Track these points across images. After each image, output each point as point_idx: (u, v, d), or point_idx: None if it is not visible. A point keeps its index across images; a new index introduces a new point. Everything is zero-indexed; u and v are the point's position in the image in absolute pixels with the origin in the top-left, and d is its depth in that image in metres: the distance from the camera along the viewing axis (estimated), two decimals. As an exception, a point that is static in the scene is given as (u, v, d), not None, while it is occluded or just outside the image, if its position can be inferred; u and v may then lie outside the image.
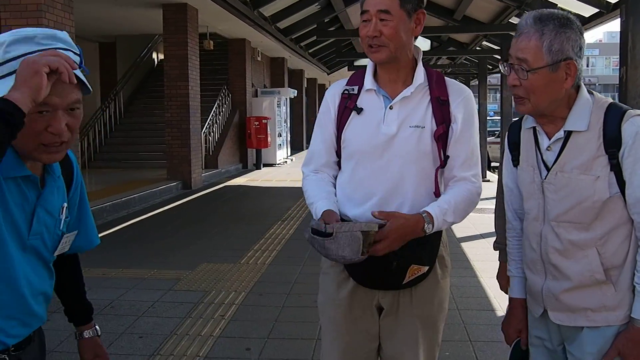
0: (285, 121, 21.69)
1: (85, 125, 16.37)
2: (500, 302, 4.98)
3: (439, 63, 20.78)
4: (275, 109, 19.95)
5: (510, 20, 11.41)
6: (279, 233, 8.09)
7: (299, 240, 7.58)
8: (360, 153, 2.09)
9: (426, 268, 2.07)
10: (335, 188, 2.20)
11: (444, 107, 2.06)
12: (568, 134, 1.82)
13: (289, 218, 9.30)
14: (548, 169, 1.86)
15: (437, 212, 1.98)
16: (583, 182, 1.78)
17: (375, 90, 2.10)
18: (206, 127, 16.05)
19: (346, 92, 2.15)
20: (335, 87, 2.21)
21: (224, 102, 17.77)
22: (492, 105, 40.97)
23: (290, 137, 23.06)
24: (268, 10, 12.27)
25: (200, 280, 5.74)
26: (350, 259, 1.84)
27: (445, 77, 2.15)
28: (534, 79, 1.76)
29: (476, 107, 2.18)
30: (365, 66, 2.19)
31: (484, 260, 6.51)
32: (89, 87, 1.51)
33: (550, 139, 1.86)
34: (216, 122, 16.99)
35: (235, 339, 4.25)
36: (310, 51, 18.78)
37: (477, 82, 17.10)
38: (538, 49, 1.74)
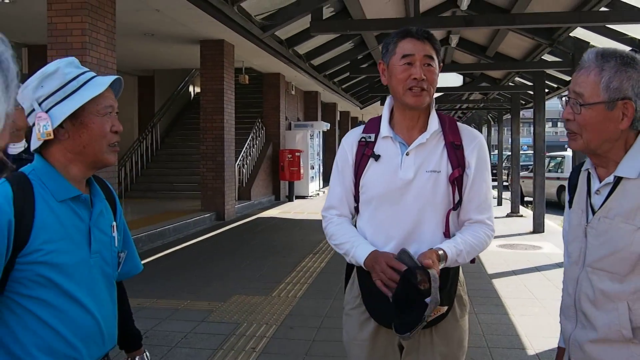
0: (318, 154, 21.87)
1: (123, 156, 16.76)
2: (531, 341, 4.97)
3: (471, 98, 20.82)
4: (308, 141, 20.15)
5: (543, 58, 11.45)
6: (310, 266, 8.17)
7: (330, 274, 7.64)
8: (378, 198, 2.18)
9: (445, 308, 2.12)
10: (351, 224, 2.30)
11: (459, 151, 2.15)
12: (618, 179, 1.73)
13: (320, 251, 9.37)
14: (594, 213, 1.79)
15: (452, 252, 2.06)
16: (622, 231, 1.69)
17: (391, 137, 2.19)
18: (240, 159, 16.30)
19: (363, 139, 2.24)
20: (352, 135, 2.31)
21: (257, 134, 18.04)
22: (526, 139, 40.55)
23: (323, 170, 23.20)
24: (302, 49, 12.53)
25: (233, 312, 5.83)
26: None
27: (458, 122, 2.25)
28: (587, 114, 1.70)
29: (487, 151, 2.26)
30: (380, 115, 2.29)
31: (515, 297, 6.48)
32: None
33: (600, 182, 1.79)
34: (250, 154, 17.25)
35: (266, 372, 4.32)
36: (343, 86, 19.00)
37: (509, 117, 17.09)
38: (595, 84, 1.68)
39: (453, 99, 20.96)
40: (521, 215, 14.58)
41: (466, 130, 2.22)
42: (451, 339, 2.19)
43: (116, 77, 1.74)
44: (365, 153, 2.21)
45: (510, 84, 15.50)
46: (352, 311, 2.27)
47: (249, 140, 17.20)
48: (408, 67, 2.09)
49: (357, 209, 2.30)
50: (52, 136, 1.63)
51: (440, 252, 2.04)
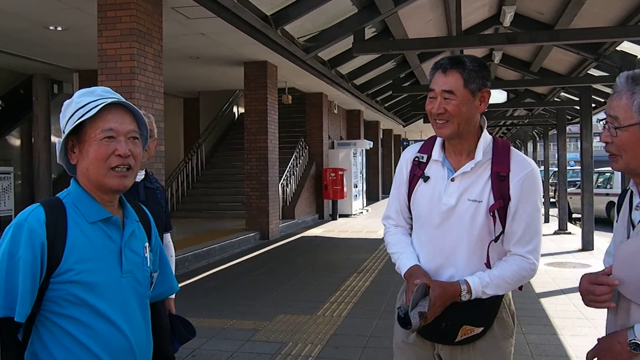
0: (361, 172, 21.86)
1: (169, 176, 17.08)
2: (580, 362, 4.87)
3: (515, 114, 20.58)
4: (352, 160, 20.19)
5: (589, 72, 11.28)
6: (354, 285, 8.16)
7: (375, 293, 7.62)
8: (423, 219, 2.27)
9: (480, 329, 2.16)
10: (408, 236, 2.37)
11: (503, 183, 2.14)
12: None
13: (365, 270, 9.35)
14: (634, 228, 1.83)
15: (476, 283, 2.11)
16: None
17: (440, 161, 2.24)
18: (284, 179, 16.43)
19: (417, 159, 2.31)
20: (409, 152, 2.39)
21: (301, 154, 18.18)
22: (573, 154, 39.74)
23: (366, 188, 23.17)
24: (345, 69, 12.62)
25: (278, 331, 5.87)
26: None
27: (512, 150, 2.21)
28: (623, 136, 1.76)
29: (540, 182, 2.20)
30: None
31: (564, 317, 6.36)
32: (126, 101, 1.81)
33: None
34: (293, 173, 17.37)
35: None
36: (385, 105, 19.03)
37: (555, 132, 16.82)
38: (628, 107, 1.74)
39: (497, 115, 20.75)
40: (569, 233, 14.28)
41: (517, 160, 2.19)
42: (489, 358, 2.20)
43: (116, 99, 1.76)
44: (416, 173, 2.28)
45: (555, 99, 15.29)
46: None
47: (292, 159, 17.34)
48: (431, 101, 2.16)
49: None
50: (58, 160, 1.79)
51: (464, 284, 2.11)
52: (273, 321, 6.24)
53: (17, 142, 14.71)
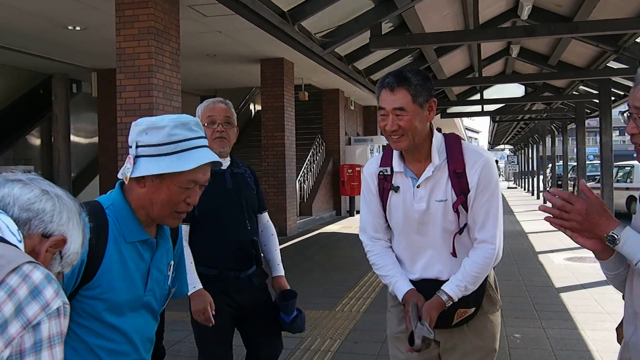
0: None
1: (187, 174, 17.17)
2: (602, 357, 4.83)
3: (534, 108, 20.43)
4: (368, 156, 20.14)
5: (608, 65, 11.17)
6: (373, 281, 8.16)
7: (393, 289, 7.60)
8: (400, 227, 2.40)
9: (472, 309, 2.38)
10: (389, 249, 2.51)
11: (461, 179, 2.28)
12: None
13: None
14: None
15: (454, 290, 2.29)
16: None
17: (402, 172, 2.37)
18: (301, 175, 16.45)
19: (381, 173, 2.42)
20: (371, 167, 2.49)
21: (318, 150, 18.19)
22: (592, 149, 39.40)
23: (383, 184, 23.07)
24: (362, 64, 12.60)
25: (297, 326, 5.88)
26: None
27: (463, 145, 2.34)
28: None
29: (495, 170, 2.34)
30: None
31: (584, 312, 6.31)
32: (221, 161, 1.80)
33: None
34: (310, 170, 17.39)
35: (332, 386, 4.35)
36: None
37: (574, 126, 16.68)
38: None
39: (515, 110, 20.61)
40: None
41: (470, 154, 2.32)
42: (483, 333, 2.42)
43: (214, 159, 1.75)
44: (385, 187, 2.41)
45: (574, 92, 15.15)
46: (392, 308, 2.56)
47: (309, 156, 17.36)
48: (384, 119, 2.27)
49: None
50: (127, 181, 1.73)
51: (445, 296, 2.28)
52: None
53: (37, 142, 14.87)
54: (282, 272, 3.37)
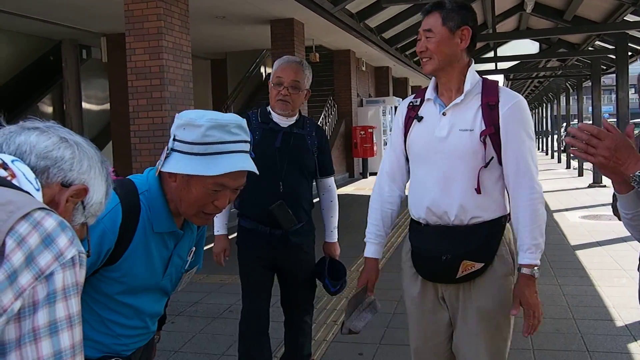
0: (391, 130, 21.68)
1: (199, 138, 17.17)
2: (619, 312, 4.82)
3: (548, 65, 20.10)
4: (381, 117, 20.04)
5: (625, 18, 10.91)
6: (387, 241, 8.15)
7: (407, 248, 7.61)
8: (417, 156, 2.36)
9: (480, 265, 2.25)
10: (389, 204, 2.56)
11: (493, 111, 2.23)
12: None
13: (397, 226, 9.34)
14: None
15: (530, 257, 2.21)
16: None
17: (432, 99, 2.36)
18: (313, 138, 16.35)
19: (411, 104, 2.44)
20: (405, 101, 2.51)
21: (330, 112, 18.07)
22: (607, 107, 38.91)
23: (396, 146, 22.98)
24: (373, 22, 12.41)
25: (313, 286, 5.91)
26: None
27: (500, 86, 2.31)
28: None
29: (528, 113, 2.31)
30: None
31: (600, 268, 6.29)
32: (256, 171, 1.72)
33: None
34: (323, 132, 17.29)
35: (348, 344, 4.37)
36: (415, 59, 18.74)
37: (590, 84, 16.42)
38: None
39: (529, 67, 20.31)
40: (604, 185, 14.03)
41: (505, 92, 2.29)
42: (490, 296, 2.28)
43: (245, 169, 1.68)
44: (411, 115, 2.40)
45: (589, 48, 14.87)
46: (404, 265, 2.50)
47: (321, 118, 17.26)
48: (418, 42, 2.33)
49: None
50: (157, 172, 1.70)
51: (525, 270, 2.20)
52: (307, 277, 6.27)
53: (49, 109, 14.88)
54: (334, 239, 3.47)
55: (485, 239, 2.26)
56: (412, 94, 2.50)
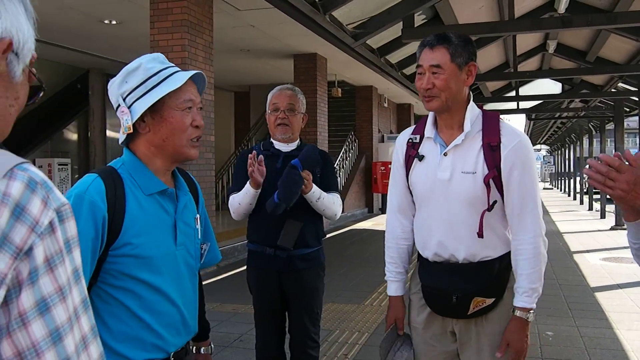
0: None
1: (220, 169, 17.28)
2: (638, 356, 4.70)
3: (571, 106, 20.04)
4: (401, 153, 20.00)
5: (648, 61, 10.89)
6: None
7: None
8: (422, 197, 2.30)
9: (491, 300, 2.22)
10: (403, 240, 2.47)
11: (495, 152, 2.16)
12: None
13: (412, 261, 9.25)
14: None
15: (526, 300, 2.17)
16: None
17: (432, 138, 2.28)
18: (333, 172, 16.39)
19: (410, 140, 2.35)
20: (403, 136, 2.44)
21: (350, 147, 18.13)
22: (632, 150, 38.43)
23: (416, 182, 22.92)
24: (394, 58, 12.52)
25: (326, 319, 5.85)
26: None
27: (501, 122, 2.23)
28: None
29: (532, 152, 2.24)
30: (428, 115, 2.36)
31: (620, 311, 6.16)
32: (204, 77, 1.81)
33: None
34: (343, 166, 17.34)
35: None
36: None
37: (612, 126, 16.30)
38: None
39: (552, 107, 20.25)
40: (626, 229, 13.81)
41: (506, 130, 2.21)
42: (501, 330, 2.23)
43: (196, 71, 1.76)
44: (411, 154, 2.32)
45: (612, 90, 14.81)
46: (413, 295, 2.44)
47: (342, 152, 17.32)
48: (420, 77, 2.22)
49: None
50: (131, 130, 1.70)
51: (519, 313, 2.17)
52: (322, 309, 6.22)
53: (74, 136, 15.12)
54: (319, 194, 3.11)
55: (496, 275, 2.22)
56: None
